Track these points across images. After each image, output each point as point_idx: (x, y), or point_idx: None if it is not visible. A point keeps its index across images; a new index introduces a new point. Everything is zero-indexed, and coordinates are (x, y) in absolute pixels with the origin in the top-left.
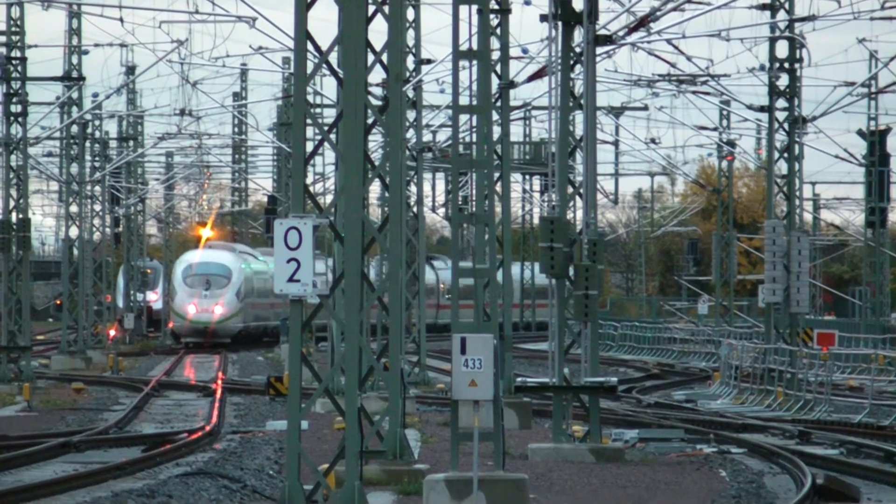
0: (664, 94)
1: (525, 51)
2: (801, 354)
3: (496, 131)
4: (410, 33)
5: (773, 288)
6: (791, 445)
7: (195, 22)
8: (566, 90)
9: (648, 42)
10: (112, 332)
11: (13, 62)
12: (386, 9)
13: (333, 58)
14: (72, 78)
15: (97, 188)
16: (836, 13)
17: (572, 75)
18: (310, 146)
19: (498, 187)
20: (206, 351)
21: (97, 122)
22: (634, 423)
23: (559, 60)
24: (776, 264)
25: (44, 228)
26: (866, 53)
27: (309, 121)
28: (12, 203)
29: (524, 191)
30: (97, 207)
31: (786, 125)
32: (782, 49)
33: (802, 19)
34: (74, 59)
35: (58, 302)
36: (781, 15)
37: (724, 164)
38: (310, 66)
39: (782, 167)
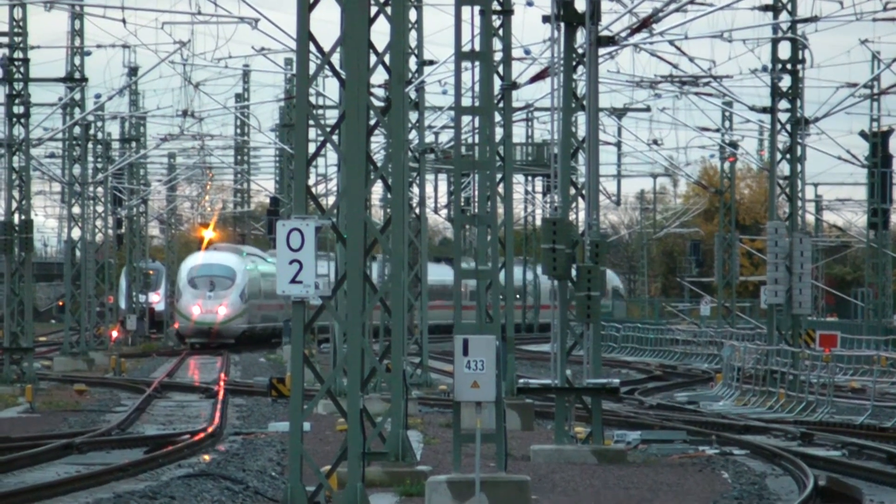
0: (666, 95)
1: (527, 52)
2: (803, 356)
3: (498, 132)
4: (413, 34)
5: (776, 289)
6: (793, 447)
7: (197, 23)
8: (569, 91)
9: (651, 43)
10: (114, 334)
11: (16, 63)
12: (388, 10)
13: (336, 59)
14: (74, 79)
15: (100, 189)
16: (839, 14)
17: (575, 76)
18: (312, 147)
19: (500, 188)
20: (209, 352)
21: (99, 124)
22: (637, 425)
23: (561, 61)
24: (778, 266)
25: (46, 230)
26: (869, 54)
27: (311, 122)
28: (15, 204)
29: (526, 192)
30: (99, 209)
31: (788, 126)
32: (785, 50)
33: (805, 20)
34: (77, 61)
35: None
36: (784, 16)
37: (727, 165)
38: (312, 68)
39: (784, 168)
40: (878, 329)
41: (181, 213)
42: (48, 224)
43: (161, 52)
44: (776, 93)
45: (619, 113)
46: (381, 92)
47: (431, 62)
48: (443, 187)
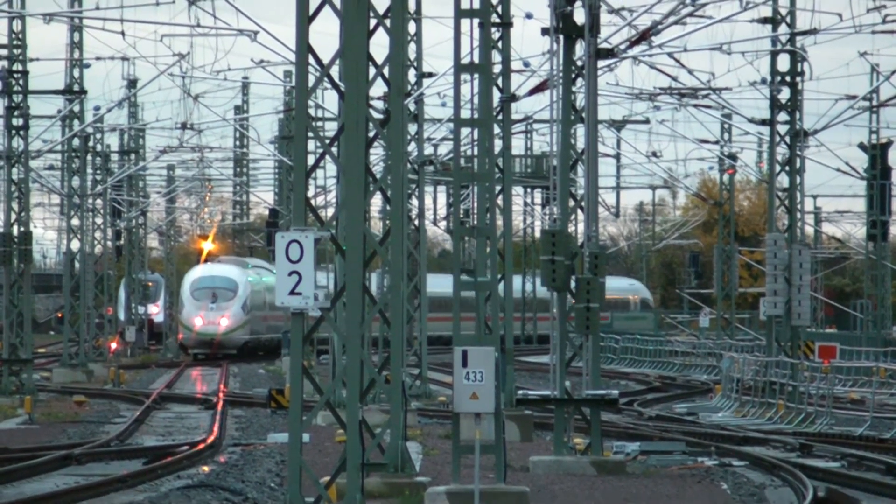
0: (665, 107)
1: (526, 64)
2: (802, 367)
3: (497, 144)
4: (412, 47)
5: (775, 301)
6: (792, 458)
7: (197, 35)
8: (567, 103)
9: (650, 55)
10: (113, 345)
11: (15, 76)
12: (387, 22)
13: (335, 71)
14: (73, 91)
15: (98, 201)
16: (838, 27)
17: (574, 89)
18: (311, 159)
19: (499, 200)
20: (208, 364)
21: (98, 136)
22: (636, 436)
23: (561, 74)
24: (777, 277)
25: (45, 241)
26: (868, 67)
27: (310, 134)
28: (14, 216)
29: (525, 204)
30: (98, 220)
31: (787, 138)
32: (784, 62)
33: (804, 33)
34: (76, 73)
35: (59, 315)
36: (783, 28)
37: (726, 177)
38: (311, 80)
39: (784, 180)
40: (878, 340)
41: (180, 224)
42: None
43: (160, 65)
44: (775, 105)
45: (618, 125)
46: (380, 104)
47: (430, 74)
48: (442, 199)
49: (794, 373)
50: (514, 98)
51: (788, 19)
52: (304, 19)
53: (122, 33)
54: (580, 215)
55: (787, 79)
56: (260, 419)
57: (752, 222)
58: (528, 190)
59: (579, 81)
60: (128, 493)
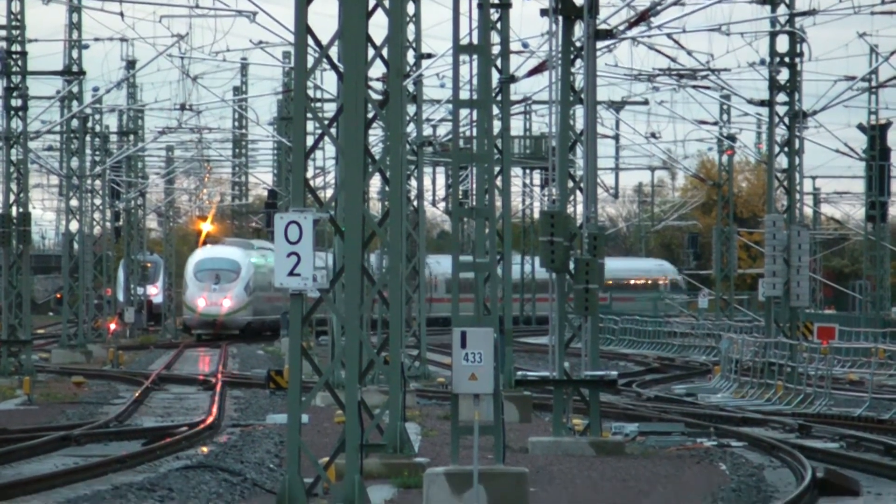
0: (664, 88)
1: (525, 45)
2: (801, 348)
3: (496, 125)
4: (411, 28)
5: (774, 282)
6: (791, 439)
7: (195, 16)
8: (566, 84)
9: (649, 36)
10: (112, 326)
11: (13, 56)
12: (386, 3)
13: (334, 52)
14: (72, 72)
15: (97, 182)
16: (837, 7)
17: (573, 69)
18: (310, 140)
19: (498, 181)
20: (207, 345)
21: (97, 117)
22: (634, 417)
23: (559, 55)
24: (776, 258)
25: (44, 222)
26: (867, 48)
27: (309, 115)
28: (12, 197)
29: (524, 185)
30: (97, 201)
31: (786, 119)
32: (783, 43)
33: (803, 14)
34: (75, 54)
35: (58, 296)
36: (782, 9)
37: (725, 158)
38: (310, 61)
39: (783, 161)
40: (876, 321)
41: (179, 205)
42: (46, 217)
43: (159, 46)
44: (774, 86)
45: (617, 106)
46: (379, 85)
47: (429, 55)
48: (441, 180)
49: (793, 354)
50: (513, 79)
51: (787, 0)
52: (303, 0)
53: (121, 14)
54: (579, 196)
55: (786, 60)
56: (259, 400)
57: (751, 203)
58: (527, 171)
59: (578, 62)
60: (127, 474)
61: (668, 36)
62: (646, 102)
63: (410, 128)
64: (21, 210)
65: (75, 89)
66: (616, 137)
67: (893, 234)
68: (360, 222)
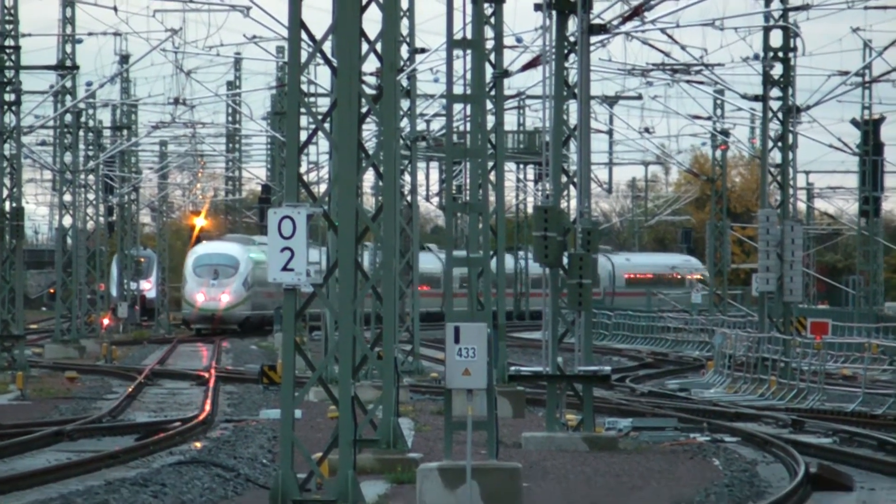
0: (658, 83)
1: (519, 40)
2: (794, 343)
3: (490, 120)
4: (405, 22)
5: (767, 277)
6: (784, 434)
7: (189, 11)
8: (560, 79)
9: (642, 31)
10: (105, 321)
11: (7, 51)
12: None
13: (328, 47)
14: (65, 67)
15: (91, 177)
16: (831, 2)
17: (566, 64)
18: (304, 135)
19: (492, 176)
20: (201, 340)
21: (91, 111)
22: (628, 412)
23: (553, 49)
24: (770, 253)
25: (37, 217)
26: (860, 42)
27: (303, 110)
28: (6, 192)
29: (518, 180)
30: (91, 196)
31: (780, 114)
32: (776, 38)
33: (796, 8)
34: (68, 48)
35: (51, 291)
36: (775, 4)
37: (718, 153)
38: (304, 56)
39: (776, 156)
40: (869, 316)
41: (172, 200)
42: (39, 212)
43: (153, 40)
44: (768, 81)
45: (610, 101)
46: (372, 80)
47: (423, 50)
48: (434, 175)
49: (787, 349)
50: (506, 74)
51: None
52: None
53: (115, 9)
54: (573, 191)
55: (780, 54)
56: (252, 395)
57: (745, 198)
58: (521, 166)
59: (572, 57)
60: (120, 470)
61: (662, 31)
62: (639, 97)
63: (404, 123)
64: (14, 205)
65: (69, 84)
66: (610, 132)
67: (887, 229)
68: (353, 217)
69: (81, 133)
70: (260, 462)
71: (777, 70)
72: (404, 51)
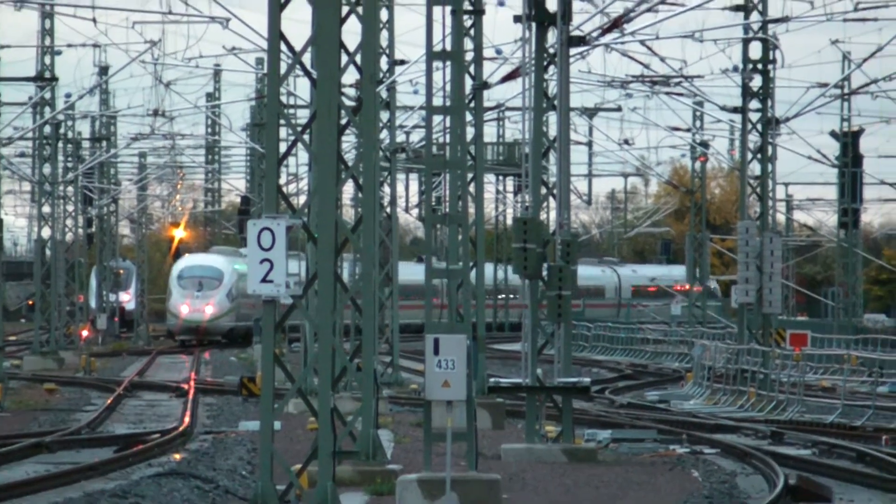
0: (637, 95)
1: (499, 52)
2: (773, 355)
3: (470, 132)
4: (384, 34)
5: (746, 288)
6: (764, 446)
7: (168, 22)
8: (540, 91)
9: (622, 43)
10: (84, 333)
11: None
12: (360, 10)
13: (307, 58)
14: (44, 78)
15: (70, 189)
16: (810, 15)
17: (546, 76)
18: (283, 147)
19: (471, 188)
20: (180, 351)
21: (70, 123)
22: (607, 424)
23: (533, 61)
24: (749, 265)
25: (16, 229)
26: (839, 55)
27: (282, 121)
28: None
29: (497, 191)
30: (70, 208)
31: (759, 126)
32: (755, 50)
33: (776, 20)
34: (47, 60)
35: (30, 302)
36: (755, 16)
37: (698, 164)
38: (283, 67)
39: (755, 168)
40: (849, 328)
41: (152, 212)
42: (18, 223)
43: (132, 52)
44: (747, 93)
45: (590, 113)
46: (352, 91)
47: (403, 62)
48: (414, 187)
49: (766, 360)
50: (486, 86)
51: (760, 7)
52: (276, 6)
53: (94, 20)
54: (552, 203)
55: (759, 66)
56: (231, 407)
57: (724, 210)
58: (501, 177)
59: (551, 69)
60: (99, 481)
61: (642, 42)
62: (619, 109)
63: (384, 134)
64: None
65: (48, 95)
66: (589, 144)
67: (866, 241)
68: (333, 229)
69: (60, 144)
70: (239, 474)
71: (756, 82)
72: (384, 62)
